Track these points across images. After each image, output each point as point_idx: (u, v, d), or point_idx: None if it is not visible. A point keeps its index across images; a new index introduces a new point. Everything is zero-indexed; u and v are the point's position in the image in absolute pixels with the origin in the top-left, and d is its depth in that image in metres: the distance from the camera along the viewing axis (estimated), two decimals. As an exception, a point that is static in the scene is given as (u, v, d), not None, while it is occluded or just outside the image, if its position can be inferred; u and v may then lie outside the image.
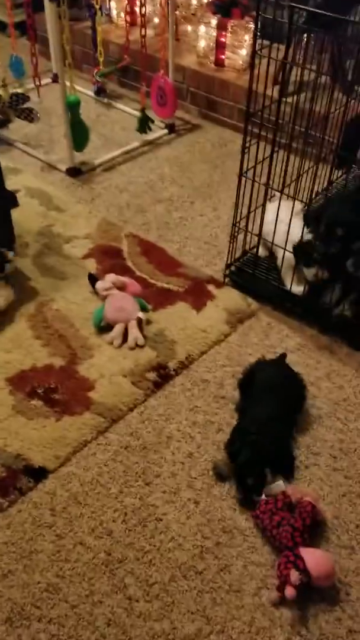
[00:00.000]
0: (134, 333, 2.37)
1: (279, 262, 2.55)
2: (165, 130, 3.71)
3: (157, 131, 3.68)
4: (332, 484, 1.98)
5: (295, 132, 2.47)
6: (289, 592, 1.65)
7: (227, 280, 2.69)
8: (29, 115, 3.38)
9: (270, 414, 2.00)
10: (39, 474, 1.94)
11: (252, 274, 2.62)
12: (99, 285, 2.51)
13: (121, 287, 2.51)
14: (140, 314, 2.40)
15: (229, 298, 2.60)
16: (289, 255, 2.46)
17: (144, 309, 2.47)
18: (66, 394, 2.18)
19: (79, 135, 3.23)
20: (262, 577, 1.74)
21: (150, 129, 3.58)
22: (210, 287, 2.64)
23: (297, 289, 2.51)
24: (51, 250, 2.79)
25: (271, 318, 2.55)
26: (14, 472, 1.93)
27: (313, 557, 1.69)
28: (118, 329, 2.38)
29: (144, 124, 3.55)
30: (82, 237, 2.86)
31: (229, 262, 2.67)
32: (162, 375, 2.27)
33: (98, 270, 2.67)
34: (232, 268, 2.68)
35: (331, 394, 2.26)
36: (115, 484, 1.95)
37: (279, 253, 2.52)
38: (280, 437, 2.00)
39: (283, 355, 2.26)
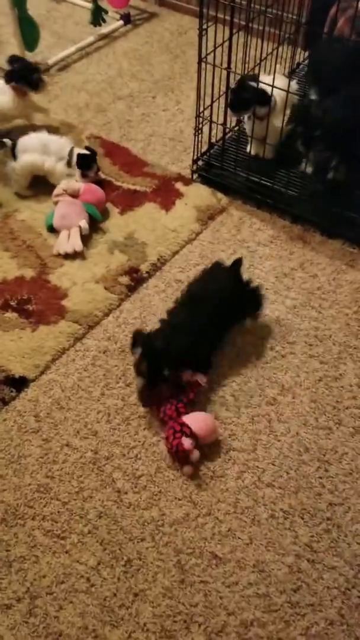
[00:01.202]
0: (72, 239, 2.33)
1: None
2: (121, 22, 3.49)
3: (112, 23, 3.45)
4: (309, 370, 2.02)
5: (254, 10, 2.32)
6: (193, 455, 1.76)
7: (195, 176, 2.61)
8: (-28, 14, 3.15)
9: (187, 319, 1.92)
10: (20, 383, 1.96)
11: (221, 167, 2.55)
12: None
13: (74, 194, 2.44)
14: (82, 222, 2.34)
15: (198, 195, 2.54)
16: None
17: (94, 217, 2.41)
18: (40, 304, 2.17)
19: (28, 32, 3.02)
20: (244, 461, 1.81)
21: (104, 21, 3.35)
22: (178, 185, 2.57)
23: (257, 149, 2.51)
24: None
25: (242, 212, 2.51)
26: (-5, 383, 1.95)
27: (196, 421, 1.79)
28: (62, 235, 2.34)
29: (98, 16, 3.32)
30: (42, 143, 2.74)
31: (195, 157, 2.58)
32: (135, 279, 2.25)
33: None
34: (200, 163, 2.60)
35: (305, 284, 2.26)
36: (96, 387, 1.97)
37: None
38: (191, 339, 1.88)
39: (236, 262, 2.07)
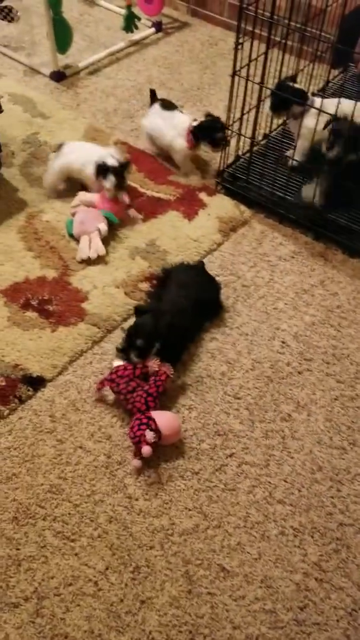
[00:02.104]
0: (95, 244, 2.34)
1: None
2: (153, 29, 3.51)
3: (144, 30, 3.48)
4: (325, 388, 2.02)
5: (290, 27, 2.34)
6: (145, 450, 1.77)
7: (219, 187, 2.63)
8: (8, 15, 3.16)
9: (182, 306, 2.04)
10: (37, 382, 1.97)
11: (246, 180, 2.56)
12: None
13: (90, 205, 2.45)
14: (101, 225, 2.36)
15: (222, 206, 2.55)
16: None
17: (111, 221, 2.41)
18: (60, 305, 2.18)
19: (61, 35, 3.05)
20: (256, 475, 1.81)
21: (136, 28, 3.38)
22: (202, 195, 2.59)
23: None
24: (38, 160, 2.70)
25: (264, 225, 2.52)
26: (13, 381, 1.96)
27: (163, 418, 1.83)
28: (82, 242, 2.36)
29: (130, 23, 3.34)
30: (69, 145, 2.76)
31: (221, 168, 2.60)
32: (155, 286, 2.26)
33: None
34: (225, 175, 2.61)
35: (325, 301, 2.27)
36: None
37: None
38: (185, 329, 2.05)
39: (201, 263, 2.29)
